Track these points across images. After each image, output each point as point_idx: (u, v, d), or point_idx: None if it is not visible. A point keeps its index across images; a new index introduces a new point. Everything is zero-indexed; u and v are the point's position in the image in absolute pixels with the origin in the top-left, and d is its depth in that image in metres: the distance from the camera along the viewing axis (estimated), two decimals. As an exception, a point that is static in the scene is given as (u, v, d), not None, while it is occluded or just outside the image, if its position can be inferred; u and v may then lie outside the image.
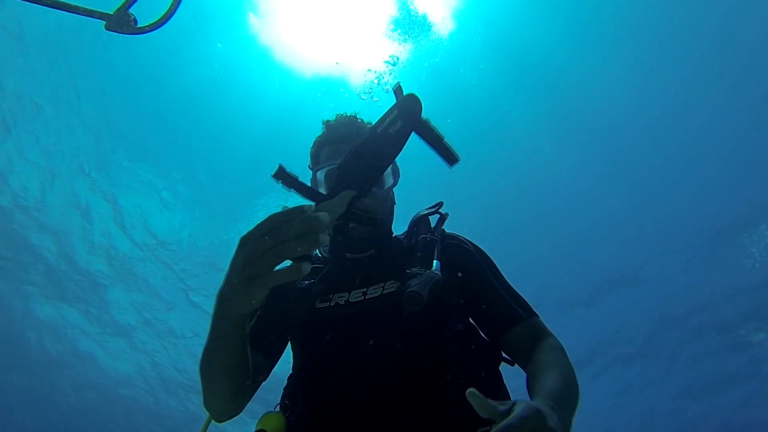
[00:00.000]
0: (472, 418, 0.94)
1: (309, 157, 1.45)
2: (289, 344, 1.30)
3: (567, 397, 0.93)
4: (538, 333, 1.19)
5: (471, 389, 0.68)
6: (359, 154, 0.92)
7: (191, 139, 10.25)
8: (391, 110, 0.91)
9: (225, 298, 0.81)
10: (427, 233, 1.30)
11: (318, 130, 1.45)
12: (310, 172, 1.40)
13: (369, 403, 1.04)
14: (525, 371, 1.13)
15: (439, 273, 1.11)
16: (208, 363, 0.95)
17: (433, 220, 1.40)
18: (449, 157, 0.96)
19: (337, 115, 1.46)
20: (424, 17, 7.94)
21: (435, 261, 1.17)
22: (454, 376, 1.08)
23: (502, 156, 10.16)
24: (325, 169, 1.31)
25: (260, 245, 0.71)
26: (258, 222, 0.74)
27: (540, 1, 8.44)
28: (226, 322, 0.84)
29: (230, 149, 10.32)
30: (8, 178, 9.90)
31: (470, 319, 1.27)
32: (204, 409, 1.09)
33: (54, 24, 8.37)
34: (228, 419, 1.10)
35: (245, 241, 0.74)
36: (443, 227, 1.38)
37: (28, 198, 10.18)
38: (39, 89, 9.13)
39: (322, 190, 1.31)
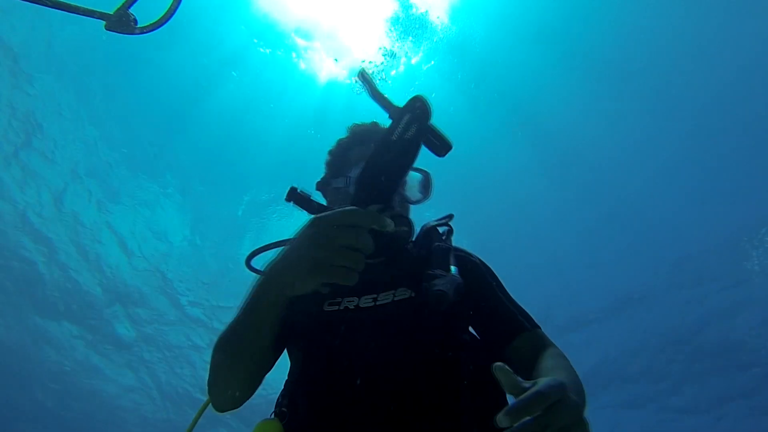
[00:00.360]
0: (486, 428, 0.94)
1: (326, 164, 1.49)
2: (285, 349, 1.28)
3: (578, 392, 0.91)
4: (542, 343, 1.19)
5: (498, 363, 0.67)
6: (376, 164, 0.91)
7: (191, 154, 10.28)
8: (401, 114, 0.90)
9: (277, 274, 0.82)
10: (440, 242, 1.30)
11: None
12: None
13: (378, 411, 1.01)
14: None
15: (460, 278, 1.11)
16: (234, 340, 0.94)
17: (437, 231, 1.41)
18: (443, 145, 0.95)
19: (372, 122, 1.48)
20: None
21: (453, 267, 1.17)
22: (466, 385, 1.07)
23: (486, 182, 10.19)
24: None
25: (337, 237, 0.74)
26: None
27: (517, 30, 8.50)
28: (269, 299, 0.85)
29: (233, 163, 10.34)
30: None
31: (473, 331, 1.27)
32: (207, 392, 1.07)
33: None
34: (228, 409, 1.07)
35: (321, 224, 0.76)
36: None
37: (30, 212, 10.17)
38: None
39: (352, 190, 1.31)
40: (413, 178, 1.37)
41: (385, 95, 1.00)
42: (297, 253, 0.79)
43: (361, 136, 1.42)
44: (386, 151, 0.90)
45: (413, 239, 1.37)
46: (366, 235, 0.76)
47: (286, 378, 1.22)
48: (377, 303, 1.15)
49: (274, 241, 1.20)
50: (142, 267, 11.08)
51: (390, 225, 0.77)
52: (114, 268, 11.07)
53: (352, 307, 1.15)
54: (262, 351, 0.97)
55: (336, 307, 1.16)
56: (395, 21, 7.85)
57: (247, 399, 1.07)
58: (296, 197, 1.04)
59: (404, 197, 1.33)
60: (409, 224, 1.14)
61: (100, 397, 13.24)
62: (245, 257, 1.20)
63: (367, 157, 1.25)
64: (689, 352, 11.25)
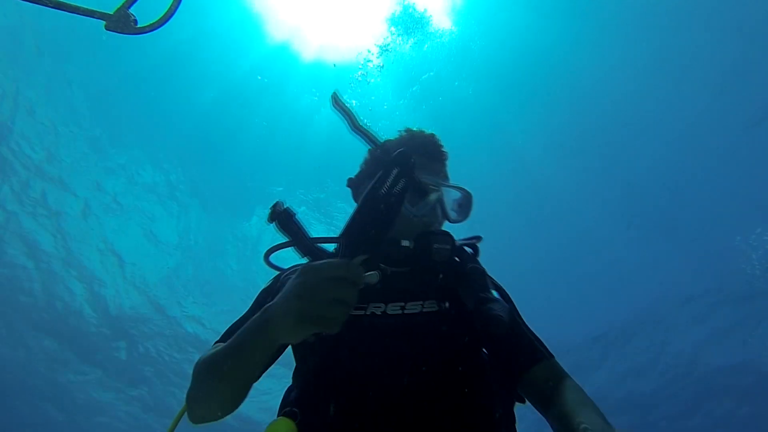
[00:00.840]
0: None
1: (364, 162, 1.43)
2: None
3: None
4: (560, 373, 1.19)
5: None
6: (364, 216, 0.94)
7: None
8: (390, 166, 0.96)
9: (268, 321, 0.86)
10: (472, 263, 1.28)
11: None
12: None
13: (397, 417, 1.01)
14: (542, 411, 1.13)
15: (507, 303, 1.13)
16: (219, 369, 0.96)
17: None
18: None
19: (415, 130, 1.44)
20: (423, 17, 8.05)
21: (494, 291, 1.17)
22: (483, 402, 1.08)
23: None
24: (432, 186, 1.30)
25: (323, 289, 0.78)
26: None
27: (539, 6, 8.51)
28: (259, 343, 0.89)
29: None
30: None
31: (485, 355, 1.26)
32: (186, 402, 1.06)
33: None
34: (205, 422, 1.07)
35: (308, 275, 0.80)
36: None
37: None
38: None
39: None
40: (452, 195, 1.36)
41: (368, 129, 1.03)
42: (286, 305, 0.82)
43: (422, 148, 1.36)
44: (375, 204, 0.93)
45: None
46: (351, 289, 0.79)
47: (293, 380, 1.21)
48: (405, 312, 1.16)
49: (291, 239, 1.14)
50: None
51: (371, 278, 0.82)
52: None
53: (379, 313, 1.16)
54: (245, 382, 0.98)
55: (362, 312, 1.16)
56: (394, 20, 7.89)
57: (228, 415, 1.07)
58: (282, 219, 1.03)
59: (445, 214, 1.32)
60: (452, 242, 1.21)
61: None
62: (264, 253, 1.18)
63: (433, 174, 1.31)
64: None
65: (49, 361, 12.14)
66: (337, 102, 1.01)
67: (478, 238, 1.37)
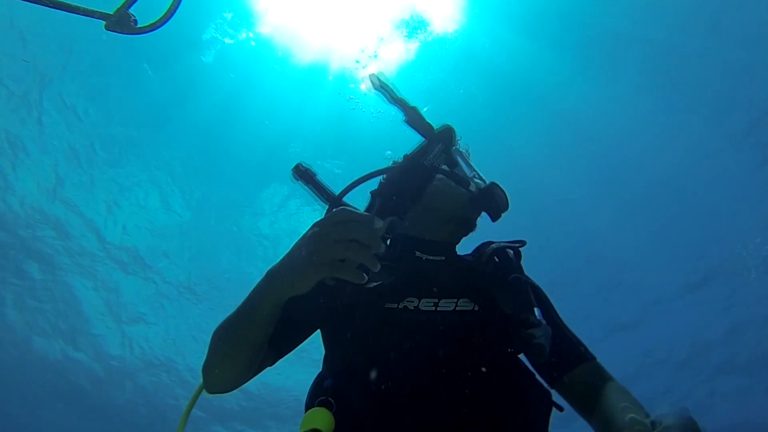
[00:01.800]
0: None
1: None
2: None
3: None
4: (602, 375, 1.17)
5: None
6: (402, 181, 1.00)
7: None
8: (431, 143, 1.02)
9: (279, 274, 0.86)
10: (516, 272, 1.25)
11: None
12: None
13: (429, 410, 1.02)
14: (584, 413, 1.12)
15: (549, 327, 1.10)
16: (232, 332, 0.98)
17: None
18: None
19: None
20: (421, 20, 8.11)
21: (536, 309, 1.16)
22: (516, 402, 1.07)
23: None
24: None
25: (332, 233, 0.77)
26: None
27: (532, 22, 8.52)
28: (270, 297, 0.88)
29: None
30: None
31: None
32: (201, 374, 1.08)
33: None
34: (220, 392, 1.10)
35: (320, 223, 0.80)
36: None
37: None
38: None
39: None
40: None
41: (404, 98, 1.04)
42: (297, 252, 0.82)
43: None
44: (417, 172, 1.00)
45: (475, 253, 1.36)
46: (367, 230, 0.76)
47: (324, 367, 1.22)
48: (438, 309, 1.15)
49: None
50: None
51: (379, 224, 0.78)
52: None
53: (412, 308, 1.14)
54: (258, 344, 0.99)
55: (395, 305, 1.15)
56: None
57: (240, 385, 1.09)
58: (304, 175, 1.06)
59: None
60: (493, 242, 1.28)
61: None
62: (337, 195, 1.13)
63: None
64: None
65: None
66: (375, 81, 1.02)
67: (522, 243, 1.33)
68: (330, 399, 1.05)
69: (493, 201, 1.18)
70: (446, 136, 1.00)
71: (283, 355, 1.18)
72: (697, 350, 11.07)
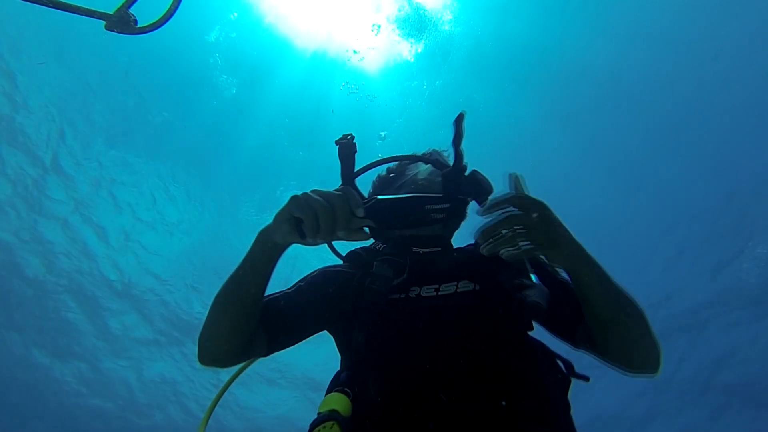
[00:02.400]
0: (543, 413, 0.99)
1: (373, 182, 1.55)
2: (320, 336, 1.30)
3: (599, 265, 1.00)
4: None
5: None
6: (398, 211, 1.10)
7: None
8: (445, 199, 1.15)
9: (263, 232, 0.98)
10: None
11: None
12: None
13: (439, 393, 1.02)
14: (599, 353, 1.10)
15: (546, 288, 1.13)
16: (223, 293, 1.05)
17: None
18: None
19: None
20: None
21: (532, 275, 1.18)
22: (525, 375, 1.07)
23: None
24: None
25: (316, 192, 0.89)
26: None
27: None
28: (258, 243, 1.00)
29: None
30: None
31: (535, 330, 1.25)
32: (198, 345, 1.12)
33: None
34: (212, 364, 1.12)
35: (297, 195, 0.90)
36: None
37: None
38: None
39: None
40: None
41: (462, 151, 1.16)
42: (278, 212, 0.94)
43: (401, 175, 1.50)
44: (412, 211, 1.10)
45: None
46: (345, 204, 0.88)
47: (341, 366, 1.27)
48: (440, 293, 1.18)
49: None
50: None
51: (361, 213, 0.89)
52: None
53: (414, 296, 1.19)
54: (253, 306, 1.06)
55: (399, 296, 1.19)
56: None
57: (232, 357, 1.12)
58: (344, 147, 1.12)
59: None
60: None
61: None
62: (349, 176, 1.23)
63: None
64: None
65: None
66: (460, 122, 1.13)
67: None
68: (346, 389, 1.09)
69: (471, 185, 1.21)
70: (461, 206, 1.11)
71: (276, 347, 1.20)
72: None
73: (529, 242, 0.93)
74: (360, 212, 0.90)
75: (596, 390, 10.90)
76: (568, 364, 1.15)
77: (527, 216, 0.93)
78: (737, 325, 10.47)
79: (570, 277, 1.04)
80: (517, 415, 1.00)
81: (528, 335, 1.17)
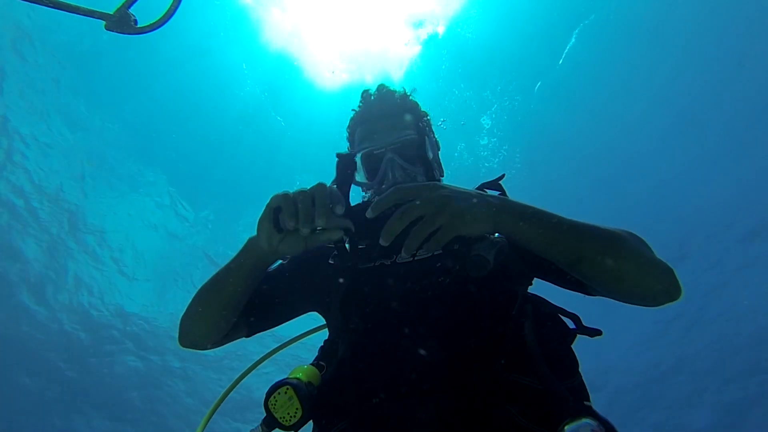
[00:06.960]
0: (521, 375, 0.96)
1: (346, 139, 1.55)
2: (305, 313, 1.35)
3: (533, 214, 0.93)
4: None
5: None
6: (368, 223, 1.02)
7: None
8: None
9: (254, 238, 0.99)
10: None
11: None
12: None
13: (411, 359, 1.02)
14: (610, 293, 1.03)
15: (503, 238, 1.01)
16: (213, 290, 1.09)
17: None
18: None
19: (379, 85, 1.48)
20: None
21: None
22: (505, 337, 1.02)
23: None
24: (361, 153, 1.38)
25: (289, 195, 0.91)
26: None
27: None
28: (247, 246, 1.03)
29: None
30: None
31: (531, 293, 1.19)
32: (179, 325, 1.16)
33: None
34: (191, 347, 1.17)
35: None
36: None
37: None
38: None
39: (360, 177, 1.40)
40: (409, 144, 1.38)
41: None
42: (262, 218, 0.95)
43: (363, 115, 1.46)
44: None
45: None
46: (325, 197, 0.91)
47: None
48: (415, 258, 1.19)
49: None
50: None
51: (340, 211, 0.91)
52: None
53: (389, 263, 1.21)
54: (231, 307, 1.09)
55: (371, 264, 1.22)
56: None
57: (212, 344, 1.16)
58: (342, 161, 1.10)
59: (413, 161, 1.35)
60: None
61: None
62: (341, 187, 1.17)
63: (369, 138, 1.38)
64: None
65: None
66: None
67: (501, 176, 1.28)
68: (321, 362, 1.12)
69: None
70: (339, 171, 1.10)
71: (257, 329, 1.26)
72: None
73: (436, 228, 0.86)
74: (339, 210, 0.91)
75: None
76: (575, 318, 1.10)
77: (420, 206, 0.86)
78: None
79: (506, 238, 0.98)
80: (490, 362, 0.98)
81: (511, 290, 1.12)
